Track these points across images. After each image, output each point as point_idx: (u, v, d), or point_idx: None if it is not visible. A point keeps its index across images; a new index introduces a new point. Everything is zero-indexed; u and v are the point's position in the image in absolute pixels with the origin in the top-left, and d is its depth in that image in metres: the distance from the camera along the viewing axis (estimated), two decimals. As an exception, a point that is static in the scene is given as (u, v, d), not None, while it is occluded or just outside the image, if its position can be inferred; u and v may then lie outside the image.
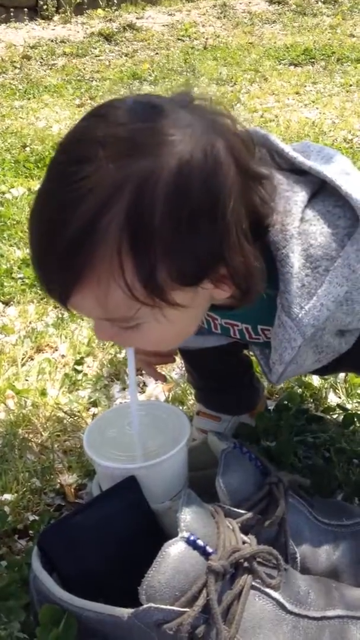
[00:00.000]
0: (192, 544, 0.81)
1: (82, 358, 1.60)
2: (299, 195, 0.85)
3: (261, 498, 0.94)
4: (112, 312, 0.75)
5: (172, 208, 0.70)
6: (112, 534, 0.88)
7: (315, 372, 1.13)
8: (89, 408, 1.45)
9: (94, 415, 1.41)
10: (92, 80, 4.72)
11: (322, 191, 0.87)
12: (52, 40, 5.73)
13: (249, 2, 6.54)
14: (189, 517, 0.84)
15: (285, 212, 0.83)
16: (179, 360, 1.57)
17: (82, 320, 1.80)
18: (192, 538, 0.81)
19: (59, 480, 1.23)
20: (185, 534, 0.82)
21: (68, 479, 1.24)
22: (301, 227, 0.83)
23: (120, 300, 0.73)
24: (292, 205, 0.84)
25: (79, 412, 1.43)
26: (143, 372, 1.57)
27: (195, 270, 0.74)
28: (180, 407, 1.42)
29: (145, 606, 0.77)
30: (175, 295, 0.74)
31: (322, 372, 1.13)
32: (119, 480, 0.93)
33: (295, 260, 0.82)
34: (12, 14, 6.14)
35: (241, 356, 1.28)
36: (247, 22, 6.06)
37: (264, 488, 0.95)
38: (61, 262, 0.72)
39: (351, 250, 0.81)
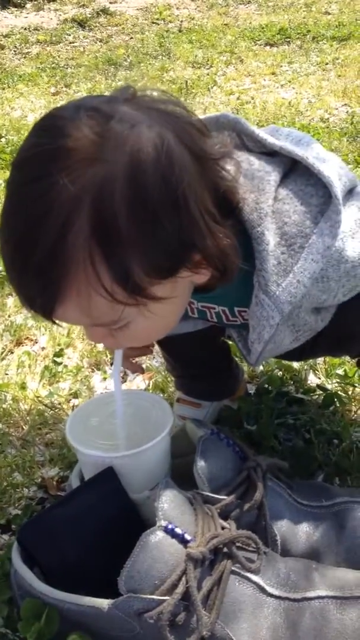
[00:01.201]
0: (170, 532, 0.82)
1: (61, 350, 1.60)
2: (272, 175, 0.85)
3: (240, 483, 0.94)
4: (98, 318, 0.76)
5: (134, 209, 0.70)
6: (91, 525, 0.88)
7: (292, 357, 1.13)
8: (70, 400, 1.45)
9: (74, 406, 1.41)
10: (67, 68, 4.68)
11: (293, 171, 0.88)
12: (25, 29, 5.66)
13: (223, -17, 6.49)
14: (166, 506, 0.84)
15: (259, 191, 0.84)
16: (159, 348, 1.58)
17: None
18: (170, 526, 0.82)
19: (40, 474, 1.23)
20: (163, 523, 0.82)
21: (50, 471, 1.24)
22: (275, 206, 0.84)
23: (103, 306, 0.73)
24: (265, 184, 0.84)
25: (59, 404, 1.42)
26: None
27: (169, 263, 0.75)
28: (161, 395, 1.42)
29: (125, 596, 0.78)
30: (156, 290, 0.75)
31: (299, 356, 1.13)
32: (101, 468, 0.93)
33: (271, 237, 0.83)
34: (-17, 3, 6.07)
35: (219, 342, 1.27)
36: (221, 3, 6.01)
37: (242, 473, 0.95)
38: (37, 281, 0.72)
39: (325, 227, 0.82)
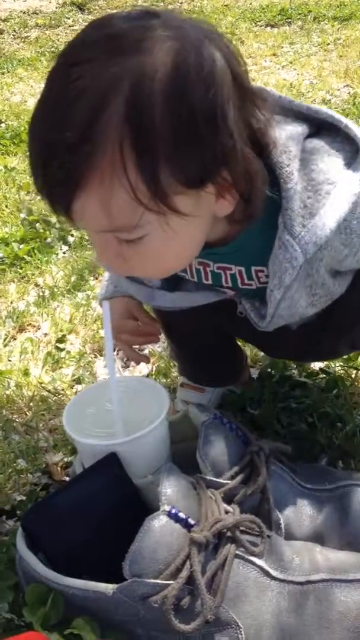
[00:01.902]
0: (173, 517, 0.82)
1: (64, 336, 1.59)
2: (299, 128, 0.87)
3: (243, 467, 0.94)
4: (116, 218, 0.74)
5: (171, 105, 0.70)
6: (94, 510, 0.89)
7: (296, 351, 1.13)
8: (73, 385, 1.45)
9: (77, 392, 1.41)
10: (66, 52, 4.65)
11: (318, 133, 0.89)
12: (23, 12, 5.62)
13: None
14: (169, 491, 0.84)
15: (287, 138, 0.85)
16: (163, 334, 1.57)
17: (64, 297, 1.79)
18: (173, 511, 0.82)
19: (44, 460, 1.23)
20: (167, 507, 0.82)
21: (54, 457, 1.24)
22: (303, 155, 0.85)
23: (124, 204, 0.72)
24: (294, 134, 0.85)
25: (62, 390, 1.42)
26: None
27: (198, 171, 0.74)
28: (164, 380, 1.42)
29: (129, 581, 0.78)
30: (179, 201, 0.74)
31: (302, 352, 1.12)
32: (100, 457, 0.93)
33: (299, 179, 0.83)
34: (-19, -13, 6.01)
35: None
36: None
37: (245, 457, 0.95)
38: (64, 163, 0.71)
39: (352, 176, 0.84)
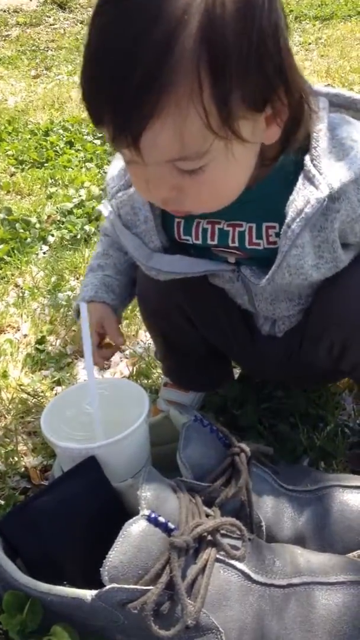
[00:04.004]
0: (153, 521, 0.80)
1: (43, 337, 1.58)
2: (321, 101, 0.91)
3: (224, 469, 0.94)
4: (186, 145, 0.75)
5: (242, 24, 0.71)
6: (73, 515, 0.87)
7: (286, 368, 1.13)
8: (53, 387, 1.43)
9: (57, 394, 1.39)
10: (47, 50, 4.63)
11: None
12: (4, 11, 5.59)
13: None
14: (149, 494, 0.83)
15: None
16: (142, 333, 1.56)
17: (44, 297, 1.78)
18: (153, 515, 0.81)
19: (23, 463, 1.22)
20: (146, 512, 0.81)
21: (33, 461, 1.22)
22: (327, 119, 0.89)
23: (195, 130, 0.73)
24: (317, 101, 0.89)
25: (42, 392, 1.41)
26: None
27: (263, 90, 0.76)
28: (146, 381, 1.41)
29: (108, 587, 0.77)
30: (242, 126, 0.76)
31: (294, 363, 1.11)
32: (79, 460, 0.91)
33: (326, 127, 0.87)
34: None
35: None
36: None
37: (226, 459, 0.94)
38: (140, 88, 0.71)
39: None
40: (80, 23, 5.20)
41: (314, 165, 0.86)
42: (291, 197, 0.87)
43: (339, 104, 0.94)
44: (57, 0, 5.59)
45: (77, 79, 2.75)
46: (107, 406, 1.00)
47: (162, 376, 1.34)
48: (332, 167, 0.86)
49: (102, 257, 1.19)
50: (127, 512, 0.89)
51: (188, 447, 0.93)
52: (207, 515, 0.86)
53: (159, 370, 1.40)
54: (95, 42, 0.75)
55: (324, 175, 0.85)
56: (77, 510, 0.88)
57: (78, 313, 1.08)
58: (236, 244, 0.96)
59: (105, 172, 2.54)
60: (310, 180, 0.86)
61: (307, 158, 0.87)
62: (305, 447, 1.18)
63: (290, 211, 0.87)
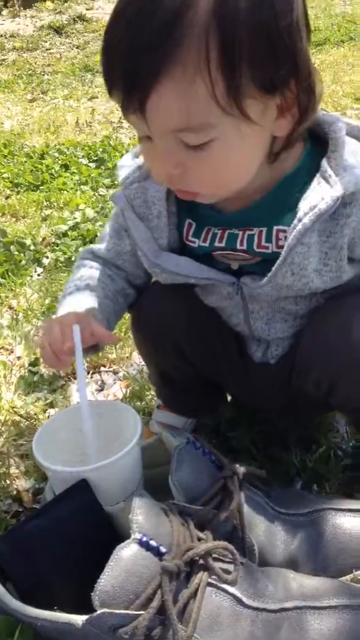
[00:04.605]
0: (145, 545, 0.80)
1: (37, 359, 1.58)
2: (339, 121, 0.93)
3: (216, 492, 0.93)
4: (190, 114, 0.77)
5: (253, 4, 0.74)
6: (64, 539, 0.87)
7: (277, 399, 1.12)
8: (46, 410, 1.43)
9: (50, 416, 1.39)
10: (43, 74, 4.67)
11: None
12: (1, 35, 5.65)
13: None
14: (141, 518, 0.82)
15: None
16: (136, 355, 1.56)
17: (38, 320, 1.78)
18: (144, 539, 0.80)
19: (15, 486, 1.21)
20: (138, 535, 0.80)
21: (25, 484, 1.22)
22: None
23: (201, 100, 0.75)
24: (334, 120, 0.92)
25: (35, 414, 1.40)
26: (101, 370, 1.56)
27: (273, 74, 0.77)
28: (139, 403, 1.41)
29: (99, 612, 0.76)
30: (250, 106, 0.78)
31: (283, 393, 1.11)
32: (68, 483, 0.91)
33: (344, 136, 0.90)
34: None
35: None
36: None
37: (218, 482, 0.94)
38: (149, 48, 0.74)
39: None
40: (77, 48, 5.25)
41: (331, 167, 0.88)
42: (305, 194, 0.89)
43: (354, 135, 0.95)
44: (53, 25, 5.66)
45: (72, 102, 2.78)
46: (100, 429, 1.00)
47: (156, 398, 1.34)
48: (348, 171, 0.88)
49: (88, 279, 1.11)
50: (118, 535, 0.88)
51: (180, 470, 0.93)
52: (199, 539, 0.86)
53: (153, 393, 1.40)
54: (116, 8, 0.78)
55: (340, 176, 0.87)
56: (68, 534, 0.87)
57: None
58: (244, 247, 0.96)
59: (100, 195, 2.56)
60: (326, 179, 0.88)
61: (324, 161, 0.89)
62: (298, 469, 1.18)
63: (303, 206, 0.88)
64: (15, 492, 1.20)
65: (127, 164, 1.03)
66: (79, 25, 5.73)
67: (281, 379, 1.08)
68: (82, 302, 1.05)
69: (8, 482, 1.22)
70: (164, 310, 1.09)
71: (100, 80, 4.44)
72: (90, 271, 1.11)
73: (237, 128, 0.79)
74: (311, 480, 1.16)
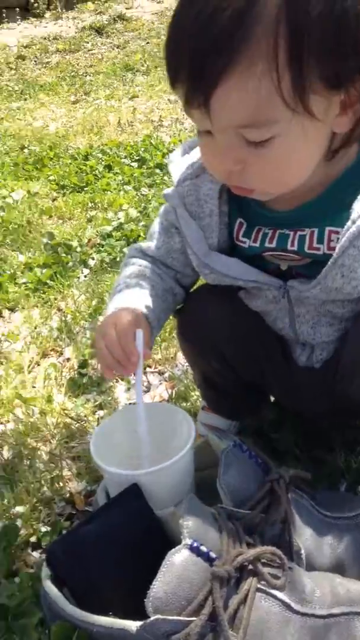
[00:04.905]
0: (195, 550, 0.82)
1: (85, 361, 1.60)
2: None
3: (263, 496, 0.94)
4: (255, 110, 0.77)
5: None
6: (116, 544, 0.89)
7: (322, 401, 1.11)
8: (95, 412, 1.45)
9: (100, 418, 1.42)
10: (86, 75, 4.71)
11: None
12: (44, 38, 5.71)
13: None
14: (191, 523, 0.84)
15: None
16: (180, 355, 1.58)
17: (86, 321, 1.81)
18: (195, 544, 0.82)
19: (68, 488, 1.24)
20: (189, 541, 0.82)
21: (77, 486, 1.24)
22: None
23: (266, 95, 0.75)
24: None
25: (85, 416, 1.43)
26: (147, 370, 1.58)
27: (339, 70, 0.77)
28: (184, 404, 1.42)
29: (152, 618, 0.78)
30: (314, 102, 0.77)
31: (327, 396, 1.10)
32: (125, 485, 0.93)
33: None
34: (4, 14, 6.13)
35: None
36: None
37: (265, 486, 0.95)
38: (217, 43, 0.74)
39: None
40: (117, 48, 5.28)
41: None
42: (357, 201, 0.88)
43: None
44: (94, 26, 5.70)
45: (114, 102, 2.81)
46: (153, 431, 1.02)
47: (201, 399, 1.35)
48: None
49: (138, 277, 1.10)
50: (169, 540, 0.90)
51: (227, 474, 0.94)
52: (248, 544, 0.87)
53: (198, 394, 1.41)
54: (182, 1, 0.78)
55: None
56: (119, 539, 0.89)
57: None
58: (295, 248, 0.96)
59: (143, 195, 2.58)
60: None
61: None
62: (342, 471, 1.17)
63: (358, 207, 0.87)
64: (68, 495, 1.23)
65: (177, 160, 1.04)
66: (119, 25, 5.76)
67: (326, 382, 1.07)
68: (133, 299, 1.05)
69: (61, 484, 1.25)
70: (206, 315, 1.10)
71: (140, 79, 4.46)
72: (140, 269, 1.11)
73: (300, 125, 0.79)
74: (356, 481, 1.16)
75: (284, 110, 0.77)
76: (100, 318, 1.80)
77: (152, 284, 1.09)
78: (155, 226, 1.13)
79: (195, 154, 1.03)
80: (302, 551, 0.93)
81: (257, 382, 1.17)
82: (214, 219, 1.00)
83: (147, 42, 5.25)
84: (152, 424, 1.03)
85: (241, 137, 0.81)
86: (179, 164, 1.04)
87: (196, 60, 0.76)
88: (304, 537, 0.95)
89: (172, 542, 0.89)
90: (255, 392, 1.24)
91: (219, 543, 0.85)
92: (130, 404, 1.42)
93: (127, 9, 6.13)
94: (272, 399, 1.30)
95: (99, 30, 5.63)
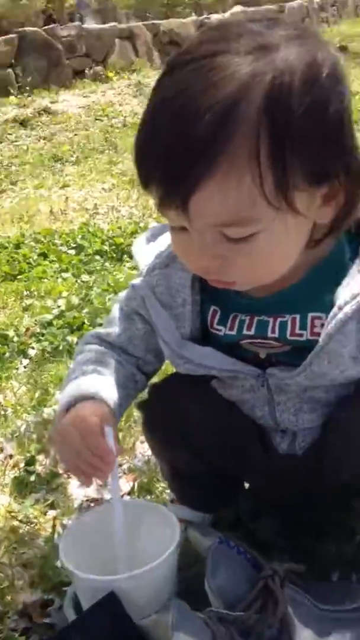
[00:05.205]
0: (190, 668, 0.71)
1: (33, 457, 1.47)
2: None
3: (256, 595, 0.85)
4: (237, 210, 0.74)
5: (308, 99, 0.72)
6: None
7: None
8: (46, 512, 1.32)
9: (54, 519, 1.28)
10: (10, 166, 4.69)
11: None
12: (-34, 132, 5.71)
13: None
14: (182, 636, 0.73)
15: None
16: (139, 445, 1.48)
17: (28, 414, 1.69)
18: (189, 660, 0.71)
19: (21, 599, 1.09)
20: (181, 657, 0.71)
21: (31, 596, 1.10)
22: None
23: (248, 195, 0.73)
24: None
25: (35, 517, 1.30)
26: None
27: (323, 167, 0.75)
28: (148, 497, 1.31)
29: None
30: (297, 198, 0.75)
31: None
32: (101, 593, 0.83)
33: None
34: None
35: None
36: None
37: (258, 584, 0.86)
38: (198, 144, 0.71)
39: None
40: (43, 139, 5.32)
41: None
42: (344, 281, 0.85)
43: None
44: (18, 119, 5.74)
45: (44, 192, 2.74)
46: (131, 532, 0.93)
47: (168, 491, 1.24)
48: None
49: (95, 364, 1.02)
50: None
51: (216, 574, 0.85)
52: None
53: (163, 485, 1.31)
54: (155, 101, 0.76)
55: None
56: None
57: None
58: (276, 335, 0.91)
59: (83, 282, 2.51)
60: None
61: None
62: (334, 559, 1.08)
63: (343, 294, 0.85)
64: (21, 607, 1.08)
65: (143, 250, 1.00)
66: (45, 118, 5.83)
67: (310, 468, 0.99)
68: (93, 386, 0.97)
69: (13, 595, 1.10)
70: (176, 407, 1.02)
71: (70, 169, 4.48)
72: (97, 355, 1.03)
73: (283, 220, 0.77)
74: (348, 570, 1.06)
75: (266, 209, 0.75)
76: (46, 410, 1.68)
77: (112, 370, 1.01)
78: (115, 312, 1.08)
79: (163, 243, 0.99)
80: (304, 654, 0.83)
81: (232, 472, 1.08)
82: (187, 308, 0.95)
83: (75, 134, 5.31)
84: (130, 523, 0.93)
85: (221, 234, 0.78)
86: (145, 253, 1.00)
87: (174, 163, 0.74)
88: (304, 635, 0.85)
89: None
90: (229, 482, 1.14)
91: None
92: (106, 501, 1.29)
93: (51, 102, 6.22)
94: (247, 485, 1.20)
95: (23, 123, 5.67)
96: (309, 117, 0.72)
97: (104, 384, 0.97)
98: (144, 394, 1.10)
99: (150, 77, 6.72)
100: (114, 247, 2.83)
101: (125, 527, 0.91)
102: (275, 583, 0.85)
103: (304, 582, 0.93)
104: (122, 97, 6.34)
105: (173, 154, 0.73)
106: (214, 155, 0.70)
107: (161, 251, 0.98)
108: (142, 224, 3.05)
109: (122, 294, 1.08)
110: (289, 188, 0.73)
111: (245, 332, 0.93)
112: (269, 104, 0.71)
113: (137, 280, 1.02)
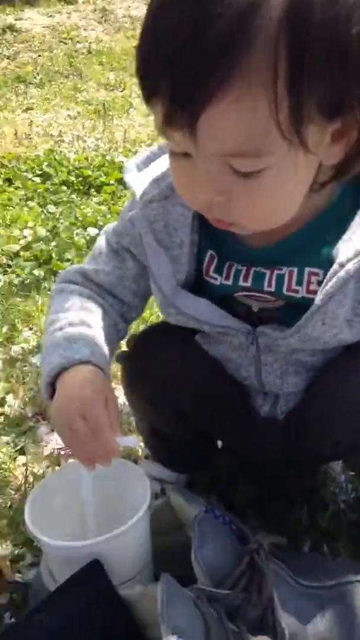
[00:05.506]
0: (180, 647, 0.68)
1: (2, 398, 1.42)
2: None
3: (243, 571, 0.82)
4: (249, 139, 0.66)
5: (330, 16, 0.63)
6: (80, 635, 0.74)
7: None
8: (16, 457, 1.28)
9: (24, 465, 1.24)
10: (-26, 83, 4.46)
11: None
12: None
13: (129, 7, 6.39)
14: (173, 614, 0.71)
15: None
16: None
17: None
18: (179, 641, 0.69)
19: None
20: (172, 638, 0.69)
21: (1, 550, 1.07)
22: None
23: (262, 123, 0.65)
24: None
25: (4, 463, 1.25)
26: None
27: (340, 93, 0.67)
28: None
29: None
30: (309, 132, 0.67)
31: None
32: (71, 561, 0.79)
33: None
34: None
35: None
36: (128, 26, 5.92)
37: (244, 558, 0.83)
38: (210, 54, 0.62)
39: None
40: (7, 58, 5.04)
41: None
42: (345, 235, 0.79)
43: None
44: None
45: (7, 114, 2.58)
46: (101, 493, 0.89)
47: (144, 446, 1.21)
48: None
49: (81, 312, 0.93)
50: (139, 623, 0.77)
51: (203, 547, 0.82)
52: (234, 632, 0.75)
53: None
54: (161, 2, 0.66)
55: None
56: (83, 628, 0.75)
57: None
58: (272, 289, 0.86)
59: (50, 212, 2.41)
60: None
61: None
62: (305, 526, 1.08)
63: (345, 249, 0.79)
64: (-11, 562, 1.05)
65: (134, 175, 0.90)
66: (9, 35, 5.52)
67: (288, 434, 0.97)
68: (87, 347, 0.88)
69: (-20, 549, 1.07)
70: (158, 364, 0.98)
71: (35, 91, 4.27)
72: (82, 301, 0.95)
73: (294, 156, 0.69)
74: (321, 540, 1.06)
75: (278, 140, 0.66)
76: (14, 348, 1.61)
77: (98, 319, 0.94)
78: (102, 247, 0.98)
79: (158, 168, 0.90)
80: (286, 632, 0.82)
81: (211, 432, 1.05)
82: (185, 250, 0.87)
83: (39, 55, 5.05)
84: (99, 484, 0.89)
85: (228, 166, 0.69)
86: (140, 179, 0.90)
87: (182, 73, 0.63)
88: (286, 615, 0.84)
89: (144, 625, 0.76)
90: (207, 443, 1.12)
91: (204, 636, 0.72)
92: (70, 460, 1.25)
93: (16, 20, 5.88)
94: (220, 445, 1.18)
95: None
96: (330, 33, 0.63)
97: (94, 345, 0.90)
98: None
99: (115, 4, 6.42)
100: (80, 179, 2.71)
101: (95, 488, 0.87)
102: (260, 557, 0.83)
103: (284, 555, 0.92)
104: (87, 22, 6.03)
105: (182, 64, 0.63)
106: (229, 68, 0.62)
107: (157, 178, 0.89)
108: (108, 157, 2.94)
109: (110, 226, 0.99)
110: (303, 119, 0.66)
111: (241, 283, 0.87)
112: (290, 15, 0.62)
113: (134, 212, 0.92)
